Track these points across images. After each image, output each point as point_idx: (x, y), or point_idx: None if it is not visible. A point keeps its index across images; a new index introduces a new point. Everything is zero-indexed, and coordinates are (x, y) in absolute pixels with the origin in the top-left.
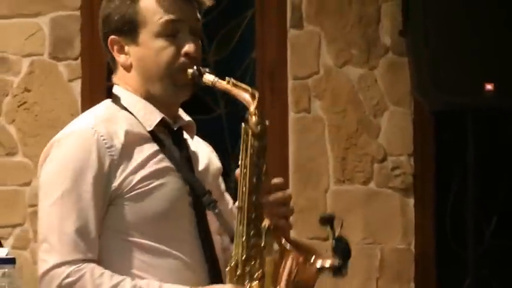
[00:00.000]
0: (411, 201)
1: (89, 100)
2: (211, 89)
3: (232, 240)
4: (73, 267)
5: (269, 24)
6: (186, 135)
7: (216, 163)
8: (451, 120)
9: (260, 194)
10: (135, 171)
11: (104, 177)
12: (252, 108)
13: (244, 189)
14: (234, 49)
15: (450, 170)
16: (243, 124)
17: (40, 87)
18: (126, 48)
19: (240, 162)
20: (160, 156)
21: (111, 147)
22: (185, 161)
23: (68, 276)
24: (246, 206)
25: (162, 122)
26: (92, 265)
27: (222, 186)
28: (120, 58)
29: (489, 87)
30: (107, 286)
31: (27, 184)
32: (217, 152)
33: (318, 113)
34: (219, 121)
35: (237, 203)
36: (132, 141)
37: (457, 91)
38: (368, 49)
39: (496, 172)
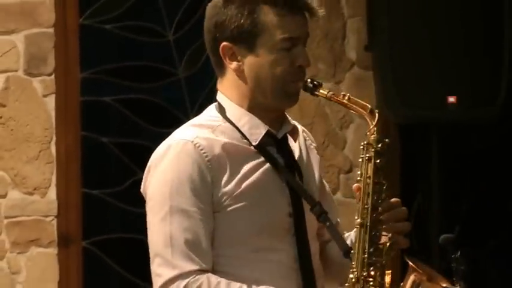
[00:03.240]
0: None
1: (64, 114)
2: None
3: (345, 255)
4: (189, 279)
5: None
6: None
7: (315, 156)
8: (415, 133)
9: (380, 211)
10: (238, 185)
11: (206, 189)
12: (372, 125)
13: (366, 206)
14: (204, 65)
15: (415, 180)
16: (363, 142)
17: (15, 103)
18: (239, 56)
19: (360, 178)
20: (265, 167)
21: (215, 160)
22: (289, 170)
23: (185, 287)
24: (368, 223)
25: (267, 134)
26: (208, 274)
27: (327, 193)
28: (232, 65)
29: (452, 100)
30: None
31: (3, 196)
32: None
33: None
34: None
35: (356, 217)
36: (236, 154)
37: (420, 104)
38: (334, 64)
39: (459, 184)
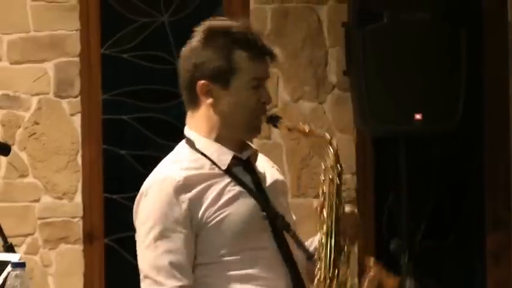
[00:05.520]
0: None
1: (88, 131)
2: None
3: (309, 258)
4: None
5: None
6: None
7: (280, 179)
8: (386, 145)
9: (341, 221)
10: (212, 203)
11: (186, 216)
12: (332, 152)
13: (329, 218)
14: None
15: (386, 186)
16: (322, 164)
17: (47, 121)
18: (215, 93)
19: (321, 198)
20: (232, 184)
21: (190, 189)
22: (255, 186)
23: None
24: (331, 230)
25: (233, 157)
26: None
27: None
28: (208, 100)
29: (418, 116)
30: None
31: (37, 201)
32: None
33: (277, 140)
34: None
35: (319, 230)
36: (207, 180)
37: (391, 120)
38: (318, 86)
39: (424, 187)
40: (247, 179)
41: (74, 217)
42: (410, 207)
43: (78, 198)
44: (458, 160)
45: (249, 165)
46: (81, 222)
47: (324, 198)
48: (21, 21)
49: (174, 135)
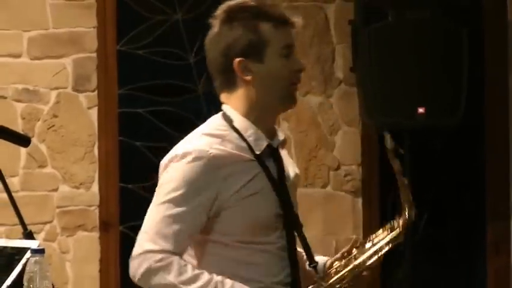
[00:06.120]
0: (360, 201)
1: (104, 123)
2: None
3: (310, 263)
4: (163, 255)
5: None
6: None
7: (297, 172)
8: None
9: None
10: (238, 189)
11: (210, 195)
12: (401, 227)
13: (344, 271)
14: None
15: (391, 177)
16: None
17: (65, 114)
18: (252, 68)
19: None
20: (261, 175)
21: (220, 167)
22: (280, 179)
23: (160, 260)
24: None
25: (267, 145)
26: (179, 257)
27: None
28: (247, 77)
29: (421, 110)
30: (189, 274)
31: (55, 190)
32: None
33: (286, 132)
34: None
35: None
36: (240, 163)
37: (395, 114)
38: (325, 82)
39: (426, 179)
40: (274, 170)
41: (90, 206)
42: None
43: (95, 187)
44: (460, 153)
45: (277, 154)
46: (97, 211)
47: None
48: (41, 19)
49: (187, 127)
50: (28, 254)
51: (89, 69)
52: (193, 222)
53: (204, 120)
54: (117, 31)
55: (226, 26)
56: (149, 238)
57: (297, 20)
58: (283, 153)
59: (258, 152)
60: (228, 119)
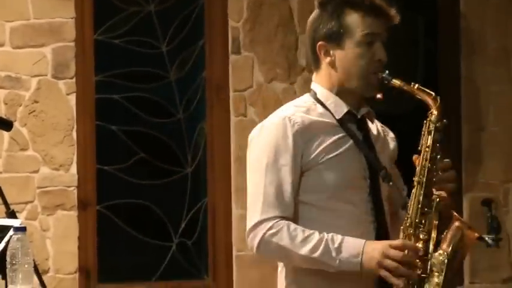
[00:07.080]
0: None
1: (82, 108)
2: (173, 96)
3: (403, 207)
4: (273, 222)
5: (215, 51)
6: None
7: (392, 146)
8: None
9: (435, 173)
10: (324, 151)
11: (297, 155)
12: (434, 108)
13: (423, 169)
14: (190, 70)
15: None
16: (426, 120)
17: (45, 99)
18: (332, 52)
19: (421, 148)
20: (346, 138)
21: (306, 131)
22: (366, 142)
23: (270, 228)
24: (424, 181)
25: (348, 112)
26: (288, 221)
27: (396, 170)
28: (326, 59)
29: (379, 96)
30: (300, 237)
31: (36, 172)
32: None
33: (252, 117)
34: (179, 125)
35: (414, 178)
36: (322, 127)
37: None
38: (289, 69)
39: None
40: (359, 136)
41: (69, 186)
42: None
43: (74, 169)
44: (417, 136)
45: (363, 123)
46: (76, 191)
47: (421, 150)
48: (23, 10)
49: (160, 112)
50: (11, 232)
51: (68, 58)
52: (290, 181)
53: (175, 106)
54: (94, 21)
55: (319, 10)
56: (256, 209)
57: (393, 13)
58: (378, 126)
59: (338, 117)
60: (313, 93)
